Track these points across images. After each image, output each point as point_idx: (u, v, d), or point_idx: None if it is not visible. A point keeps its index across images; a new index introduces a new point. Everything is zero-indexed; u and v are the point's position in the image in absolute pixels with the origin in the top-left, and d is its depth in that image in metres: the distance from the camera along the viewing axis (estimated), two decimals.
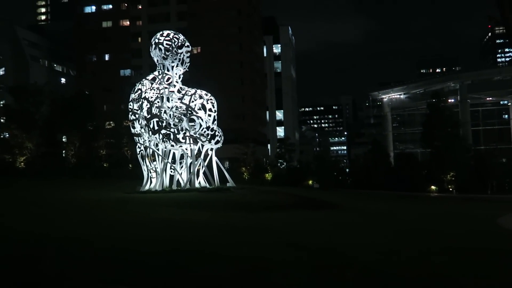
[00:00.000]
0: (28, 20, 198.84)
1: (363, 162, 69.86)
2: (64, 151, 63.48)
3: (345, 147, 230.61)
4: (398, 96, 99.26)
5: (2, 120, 68.03)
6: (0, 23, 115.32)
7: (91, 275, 10.10)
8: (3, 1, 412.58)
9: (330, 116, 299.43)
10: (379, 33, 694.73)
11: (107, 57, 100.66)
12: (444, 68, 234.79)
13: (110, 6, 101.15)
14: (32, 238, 14.28)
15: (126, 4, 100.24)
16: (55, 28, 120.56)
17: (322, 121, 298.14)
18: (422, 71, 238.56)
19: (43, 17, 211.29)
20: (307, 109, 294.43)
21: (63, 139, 64.98)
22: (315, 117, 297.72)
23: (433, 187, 59.60)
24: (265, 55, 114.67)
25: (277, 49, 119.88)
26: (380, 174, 62.18)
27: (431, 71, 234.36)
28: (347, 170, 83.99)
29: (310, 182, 64.83)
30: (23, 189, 34.86)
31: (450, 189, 59.62)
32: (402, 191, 55.71)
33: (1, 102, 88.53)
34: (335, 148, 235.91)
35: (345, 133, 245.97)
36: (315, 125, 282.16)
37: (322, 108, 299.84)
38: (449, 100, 78.29)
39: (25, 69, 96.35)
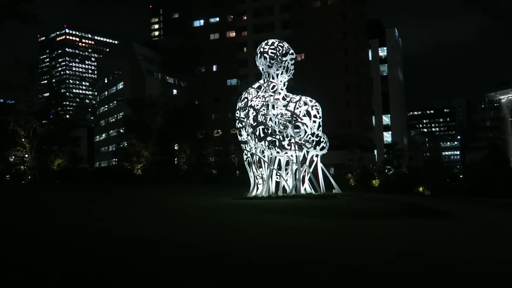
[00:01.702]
0: (144, 36, 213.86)
1: (480, 168, 65.48)
2: (176, 159, 66.94)
3: (458, 152, 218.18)
4: None
5: (121, 131, 73.53)
6: (120, 41, 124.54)
7: (197, 279, 10.50)
8: (123, 21, 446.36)
9: (441, 120, 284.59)
10: (495, 30, 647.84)
11: (214, 68, 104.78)
12: None
13: (217, 19, 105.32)
14: (146, 243, 15.21)
15: (232, 16, 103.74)
16: (167, 43, 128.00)
17: (433, 125, 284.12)
18: None
19: (156, 33, 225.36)
20: (416, 113, 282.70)
21: (175, 147, 68.56)
22: (424, 121, 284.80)
23: None
24: (370, 59, 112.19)
25: (383, 52, 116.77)
26: (499, 181, 57.83)
27: None
28: (461, 176, 79.29)
29: (421, 189, 62.06)
30: (137, 195, 37.22)
31: None
32: None
33: (121, 114, 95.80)
34: (447, 153, 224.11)
35: (458, 137, 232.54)
36: (425, 130, 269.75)
37: (432, 111, 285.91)
38: None
39: (142, 82, 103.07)
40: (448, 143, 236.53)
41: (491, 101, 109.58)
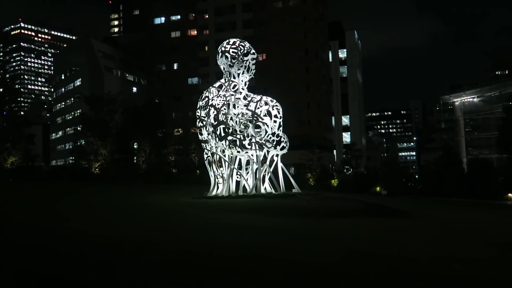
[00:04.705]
0: (103, 33, 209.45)
1: (434, 168, 67.49)
2: (135, 158, 65.89)
3: (414, 153, 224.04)
4: (471, 99, 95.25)
5: (79, 128, 71.75)
6: (78, 37, 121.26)
7: (155, 278, 10.43)
8: (81, 17, 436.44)
9: (398, 121, 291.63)
10: (449, 34, 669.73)
11: (175, 66, 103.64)
12: None
13: (179, 17, 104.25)
14: (105, 242, 14.98)
15: (193, 14, 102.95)
16: (127, 40, 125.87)
17: (390, 126, 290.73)
18: (497, 72, 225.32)
19: (116, 30, 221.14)
20: (374, 114, 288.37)
21: (135, 146, 67.45)
22: (382, 122, 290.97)
23: (510, 194, 56.49)
24: (330, 60, 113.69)
25: (342, 54, 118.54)
26: (452, 181, 59.79)
27: (507, 72, 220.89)
28: (417, 176, 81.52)
29: (378, 188, 63.41)
30: (96, 194, 36.52)
31: None
32: (477, 199, 53.23)
33: (78, 111, 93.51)
34: (403, 154, 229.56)
35: (414, 138, 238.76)
36: (383, 131, 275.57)
37: (389, 113, 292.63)
38: None
39: (100, 79, 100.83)
40: (405, 144, 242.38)
41: (445, 104, 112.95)
